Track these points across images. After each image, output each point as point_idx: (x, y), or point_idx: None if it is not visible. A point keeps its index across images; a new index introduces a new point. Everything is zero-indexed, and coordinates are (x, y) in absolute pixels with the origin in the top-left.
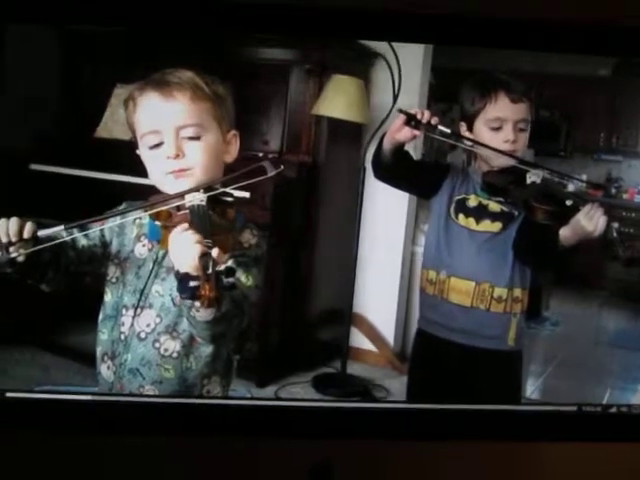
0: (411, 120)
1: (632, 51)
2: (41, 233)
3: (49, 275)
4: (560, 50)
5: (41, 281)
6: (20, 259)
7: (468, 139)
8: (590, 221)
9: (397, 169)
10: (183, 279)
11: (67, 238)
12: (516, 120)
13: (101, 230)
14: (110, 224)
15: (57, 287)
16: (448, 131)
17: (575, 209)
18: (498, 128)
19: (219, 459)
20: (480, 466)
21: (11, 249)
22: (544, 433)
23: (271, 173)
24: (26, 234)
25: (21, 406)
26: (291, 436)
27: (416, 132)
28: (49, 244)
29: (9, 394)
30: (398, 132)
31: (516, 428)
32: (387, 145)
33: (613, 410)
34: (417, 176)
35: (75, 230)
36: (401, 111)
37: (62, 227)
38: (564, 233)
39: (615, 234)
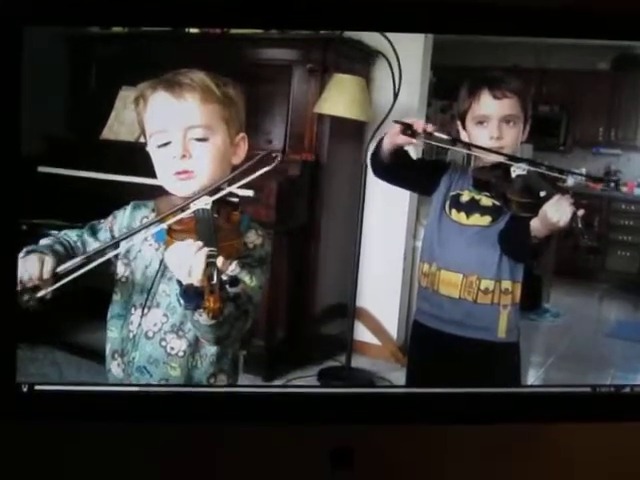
0: (407, 130)
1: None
2: (60, 269)
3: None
4: (559, 36)
5: None
6: (48, 297)
7: (464, 143)
8: (556, 212)
9: (396, 168)
10: (187, 291)
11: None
12: (501, 116)
13: (111, 230)
14: (119, 226)
15: None
16: (445, 137)
17: (548, 200)
18: (483, 124)
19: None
20: (495, 448)
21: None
22: (559, 414)
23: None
24: (46, 274)
25: (50, 399)
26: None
27: (413, 140)
28: (72, 276)
29: (38, 387)
30: (397, 137)
31: (531, 410)
32: (387, 146)
33: (627, 390)
34: (415, 174)
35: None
36: (396, 122)
37: (79, 259)
38: (534, 224)
39: (580, 224)
